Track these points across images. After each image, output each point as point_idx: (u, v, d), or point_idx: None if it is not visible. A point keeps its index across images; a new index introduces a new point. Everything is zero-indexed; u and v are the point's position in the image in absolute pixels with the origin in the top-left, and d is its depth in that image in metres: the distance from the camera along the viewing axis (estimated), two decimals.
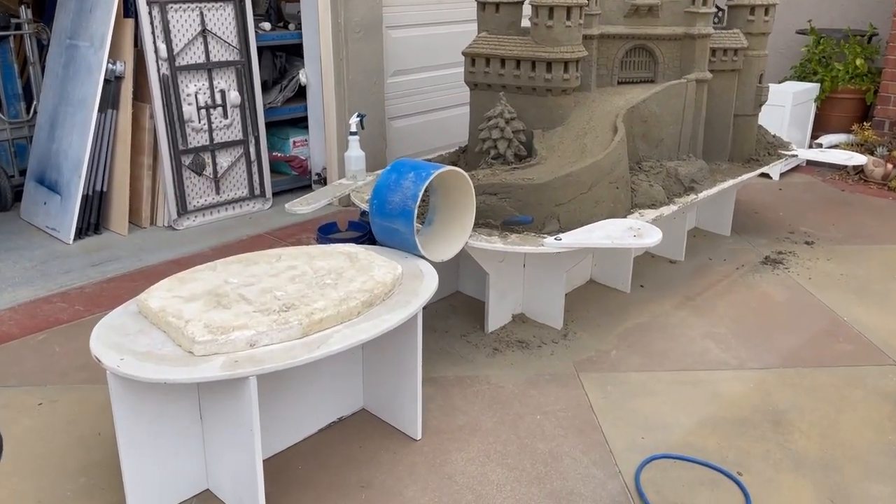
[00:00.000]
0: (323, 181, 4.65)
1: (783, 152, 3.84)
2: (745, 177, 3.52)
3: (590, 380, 2.74)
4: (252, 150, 4.35)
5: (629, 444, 2.40)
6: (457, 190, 2.61)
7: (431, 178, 2.43)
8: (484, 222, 2.78)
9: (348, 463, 2.30)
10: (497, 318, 3.05)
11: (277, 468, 2.27)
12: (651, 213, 3.00)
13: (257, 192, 4.43)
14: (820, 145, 5.34)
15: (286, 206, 2.94)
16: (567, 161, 2.88)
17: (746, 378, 2.77)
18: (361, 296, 2.13)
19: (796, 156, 3.87)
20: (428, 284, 2.32)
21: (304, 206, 2.94)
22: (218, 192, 4.27)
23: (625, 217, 2.93)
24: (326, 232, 3.42)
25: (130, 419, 1.96)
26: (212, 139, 4.17)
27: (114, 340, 1.94)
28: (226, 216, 4.30)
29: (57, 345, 2.93)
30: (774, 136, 3.95)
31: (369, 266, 2.33)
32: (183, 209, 4.12)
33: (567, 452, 2.35)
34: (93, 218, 3.99)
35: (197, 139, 4.12)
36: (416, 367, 2.32)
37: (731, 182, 3.42)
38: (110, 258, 3.74)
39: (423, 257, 2.50)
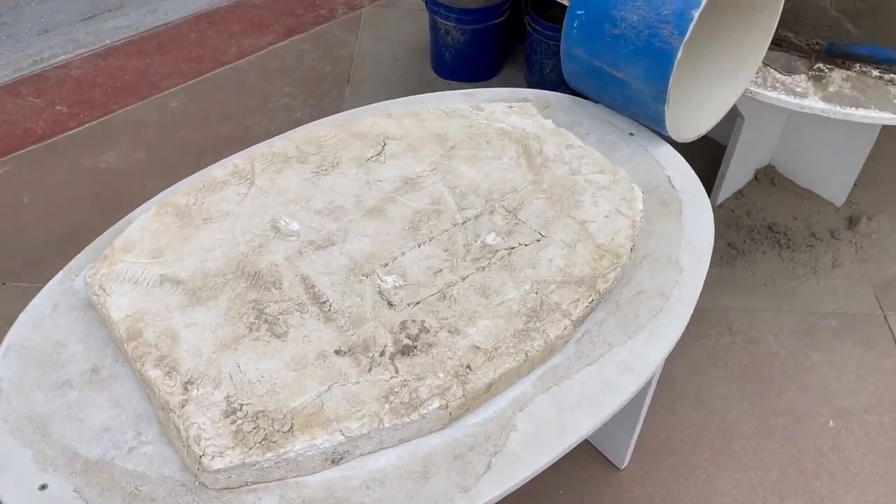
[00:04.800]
0: None
1: None
2: None
3: None
4: None
5: None
6: None
7: None
8: (774, 40, 1.40)
9: None
10: (735, 180, 1.80)
11: None
12: None
13: None
14: None
15: None
16: None
17: None
18: (574, 300, 0.94)
19: None
20: (696, 223, 1.09)
21: None
22: None
23: None
24: None
25: None
26: None
27: (28, 408, 0.86)
28: None
29: (26, 194, 1.84)
30: None
31: (571, 184, 1.09)
32: None
33: None
34: None
35: None
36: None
37: None
38: (109, 4, 2.45)
39: (665, 137, 1.23)
